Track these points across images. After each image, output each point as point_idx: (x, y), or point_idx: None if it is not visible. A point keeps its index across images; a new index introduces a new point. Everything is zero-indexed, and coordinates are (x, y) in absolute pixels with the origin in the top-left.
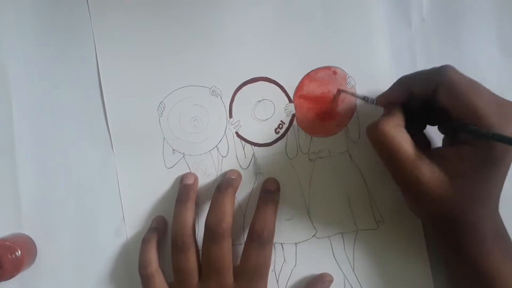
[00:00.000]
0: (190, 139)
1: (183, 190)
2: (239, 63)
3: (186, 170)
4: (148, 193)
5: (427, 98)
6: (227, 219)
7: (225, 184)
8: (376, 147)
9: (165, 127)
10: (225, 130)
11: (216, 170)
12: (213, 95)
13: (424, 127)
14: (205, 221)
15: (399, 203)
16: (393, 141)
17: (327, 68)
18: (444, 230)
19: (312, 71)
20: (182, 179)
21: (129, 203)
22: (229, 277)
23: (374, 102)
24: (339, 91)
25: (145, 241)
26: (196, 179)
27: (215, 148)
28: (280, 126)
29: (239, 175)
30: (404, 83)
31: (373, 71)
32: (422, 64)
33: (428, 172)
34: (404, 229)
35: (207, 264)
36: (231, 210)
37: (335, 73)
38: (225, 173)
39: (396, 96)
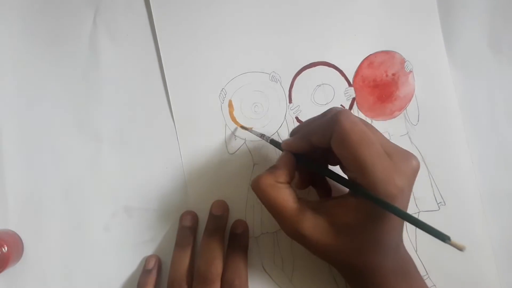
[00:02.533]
0: (251, 125)
1: (182, 233)
2: (298, 48)
3: (248, 156)
4: (212, 179)
5: (327, 147)
6: (217, 264)
7: (212, 228)
8: (260, 201)
9: (226, 114)
10: (285, 115)
11: (277, 155)
12: (272, 80)
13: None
14: (195, 266)
15: (460, 185)
16: (271, 198)
17: (385, 52)
18: (346, 275)
19: (370, 55)
20: (180, 219)
21: (194, 189)
22: None
23: (269, 140)
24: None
25: (140, 285)
26: (195, 219)
27: (276, 133)
28: None
29: (226, 208)
30: (305, 134)
31: (429, 56)
32: None
33: (310, 226)
34: (465, 210)
35: None
36: (221, 254)
37: (393, 57)
38: (211, 207)
39: (298, 146)
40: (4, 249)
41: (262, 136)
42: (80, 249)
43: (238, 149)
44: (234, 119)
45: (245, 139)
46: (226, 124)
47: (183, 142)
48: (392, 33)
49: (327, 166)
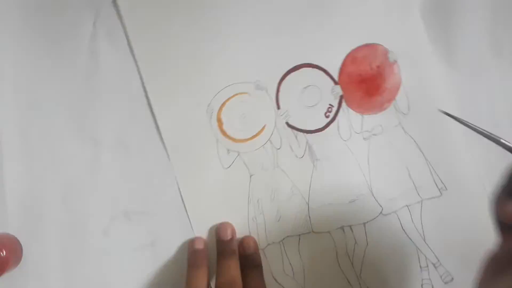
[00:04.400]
0: (242, 136)
1: (195, 255)
2: (279, 53)
3: (243, 168)
4: (210, 195)
5: None
6: (237, 283)
7: (226, 250)
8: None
9: (216, 129)
10: (275, 122)
11: (272, 163)
12: (258, 89)
13: None
14: (215, 286)
15: (459, 168)
16: None
17: (367, 45)
18: None
19: (352, 50)
20: (192, 243)
21: (192, 206)
22: None
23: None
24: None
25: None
26: (206, 244)
27: (268, 141)
28: (329, 109)
29: (233, 232)
30: None
31: (411, 44)
32: None
33: None
34: (468, 191)
35: None
36: (239, 275)
37: (376, 49)
38: (217, 228)
39: None
40: (3, 253)
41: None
42: (79, 253)
43: (233, 162)
44: (224, 133)
45: (238, 152)
46: (217, 139)
47: (176, 164)
48: (372, 25)
49: None
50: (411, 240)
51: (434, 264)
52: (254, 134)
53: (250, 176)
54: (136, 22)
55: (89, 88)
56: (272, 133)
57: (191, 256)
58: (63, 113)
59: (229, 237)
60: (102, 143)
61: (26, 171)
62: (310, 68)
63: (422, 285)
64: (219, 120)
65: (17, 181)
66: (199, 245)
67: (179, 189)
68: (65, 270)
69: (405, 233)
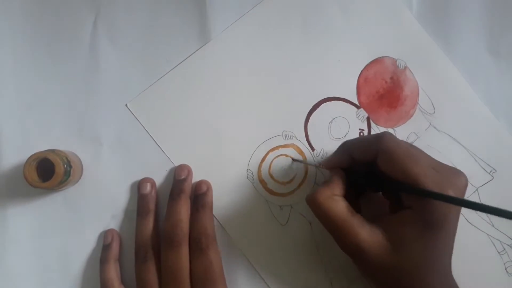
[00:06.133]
0: (289, 189)
1: (143, 201)
2: (295, 97)
3: (301, 219)
4: (279, 258)
5: (369, 164)
6: (183, 225)
7: (176, 191)
8: (316, 217)
9: (261, 190)
10: (315, 165)
11: None
12: (287, 139)
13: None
14: (162, 230)
15: (500, 146)
16: (329, 210)
17: (374, 61)
18: None
19: (362, 70)
20: (139, 187)
21: (266, 274)
22: (187, 285)
23: (320, 165)
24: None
25: (102, 261)
26: (154, 186)
27: (314, 183)
28: (361, 133)
29: (189, 171)
30: (346, 149)
31: (414, 44)
32: None
33: (369, 239)
34: None
35: (165, 273)
36: (187, 215)
37: (383, 62)
38: (174, 172)
39: (339, 161)
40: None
41: (315, 164)
42: (79, 254)
43: (289, 217)
44: (271, 192)
45: (290, 205)
46: (266, 200)
47: (236, 237)
48: (371, 41)
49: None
50: (480, 230)
51: (510, 246)
52: (300, 182)
53: (310, 224)
54: (152, 120)
55: (89, 87)
56: (316, 176)
57: (138, 202)
58: (63, 112)
59: (182, 176)
60: (102, 143)
61: None
62: (329, 102)
63: (506, 269)
64: (262, 181)
65: (18, 180)
66: (144, 190)
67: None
68: (65, 271)
69: (473, 225)
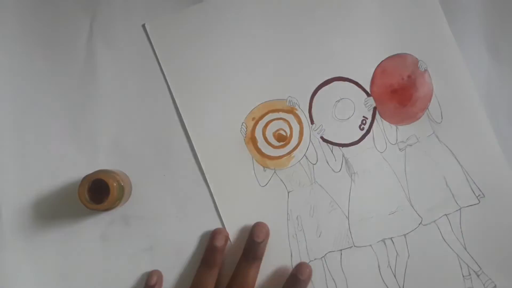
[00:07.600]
0: (278, 153)
1: (211, 253)
2: (309, 68)
3: (280, 185)
4: (248, 213)
5: None
6: None
7: (252, 255)
8: None
9: (251, 148)
10: (310, 137)
11: (310, 179)
12: (290, 105)
13: None
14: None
15: (495, 174)
16: None
17: (397, 56)
18: None
19: (383, 61)
20: (212, 237)
21: (230, 225)
22: None
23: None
24: None
25: None
26: (227, 241)
27: (304, 157)
28: (364, 121)
29: (267, 234)
30: None
31: (440, 51)
32: None
33: None
34: (506, 198)
35: None
36: (253, 282)
37: (405, 59)
38: (252, 228)
39: None
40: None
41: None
42: (77, 257)
43: (269, 180)
44: (259, 151)
45: (274, 169)
46: (252, 158)
47: (212, 183)
48: (400, 35)
49: None
50: (452, 249)
51: (476, 272)
52: (289, 150)
53: (288, 193)
54: (165, 45)
55: (85, 89)
56: (308, 148)
57: (207, 252)
58: (59, 117)
59: (260, 240)
60: (98, 146)
61: (23, 175)
62: (342, 82)
63: None
64: (253, 139)
65: (13, 184)
66: (219, 242)
67: (216, 209)
68: (63, 275)
69: (446, 242)
